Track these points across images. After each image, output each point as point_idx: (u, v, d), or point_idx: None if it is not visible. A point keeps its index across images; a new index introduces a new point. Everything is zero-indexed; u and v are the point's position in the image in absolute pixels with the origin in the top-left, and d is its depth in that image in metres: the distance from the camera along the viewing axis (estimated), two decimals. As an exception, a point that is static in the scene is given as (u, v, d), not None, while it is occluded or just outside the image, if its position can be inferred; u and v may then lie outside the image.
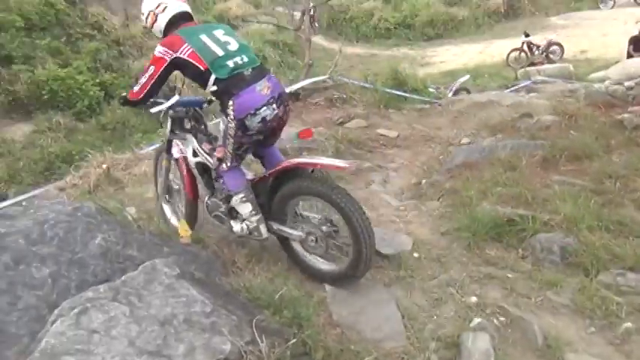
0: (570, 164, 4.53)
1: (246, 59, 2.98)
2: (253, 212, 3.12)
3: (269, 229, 3.19)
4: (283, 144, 5.35)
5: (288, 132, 5.73)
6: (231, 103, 2.91)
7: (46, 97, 12.83)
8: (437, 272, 3.24)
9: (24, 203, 5.03)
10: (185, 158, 3.44)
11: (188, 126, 3.43)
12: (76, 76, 13.33)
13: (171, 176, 3.74)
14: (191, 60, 2.92)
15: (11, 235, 2.53)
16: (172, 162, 3.61)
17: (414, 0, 22.92)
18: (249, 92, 2.89)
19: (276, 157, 3.32)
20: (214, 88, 2.95)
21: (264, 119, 2.93)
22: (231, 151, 3.06)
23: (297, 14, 8.46)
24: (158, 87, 3.11)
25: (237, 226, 3.19)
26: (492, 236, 3.54)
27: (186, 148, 3.42)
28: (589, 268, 3.15)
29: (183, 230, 3.21)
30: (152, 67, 3.02)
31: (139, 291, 2.13)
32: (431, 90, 9.66)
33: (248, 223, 3.15)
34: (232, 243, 3.44)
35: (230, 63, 2.92)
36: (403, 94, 7.95)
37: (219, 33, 3.03)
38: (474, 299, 2.93)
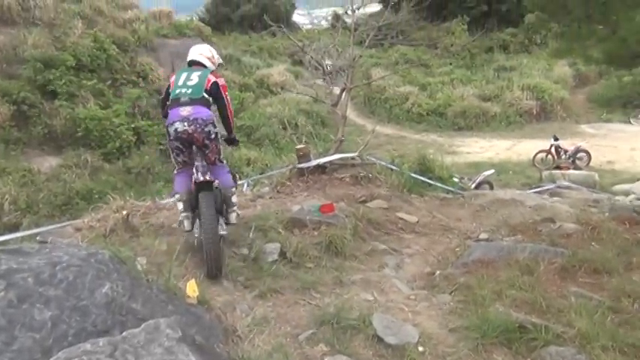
0: (589, 277, 4.42)
1: (189, 92, 4.32)
2: (182, 210, 4.41)
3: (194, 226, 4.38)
4: (304, 215, 5.40)
5: (310, 204, 5.82)
6: (166, 115, 4.36)
7: (80, 134, 13.26)
8: (440, 371, 3.14)
9: (38, 237, 5.08)
10: None
11: None
12: (113, 118, 13.80)
13: None
14: (171, 85, 4.49)
15: (22, 272, 2.51)
16: None
17: (450, 91, 23.51)
18: (175, 110, 4.26)
19: (217, 176, 4.44)
20: (168, 103, 4.38)
21: (176, 130, 4.23)
22: (172, 156, 4.50)
23: (337, 90, 8.68)
24: (165, 100, 4.59)
25: (179, 218, 4.45)
26: (502, 341, 3.40)
27: None
28: (599, 391, 3.01)
29: (192, 290, 3.21)
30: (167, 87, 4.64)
31: (138, 350, 2.06)
32: (455, 180, 9.70)
33: (180, 217, 4.42)
34: (237, 309, 3.41)
35: (177, 90, 4.36)
36: (428, 180, 7.99)
37: (194, 74, 4.44)
38: (475, 406, 2.81)
